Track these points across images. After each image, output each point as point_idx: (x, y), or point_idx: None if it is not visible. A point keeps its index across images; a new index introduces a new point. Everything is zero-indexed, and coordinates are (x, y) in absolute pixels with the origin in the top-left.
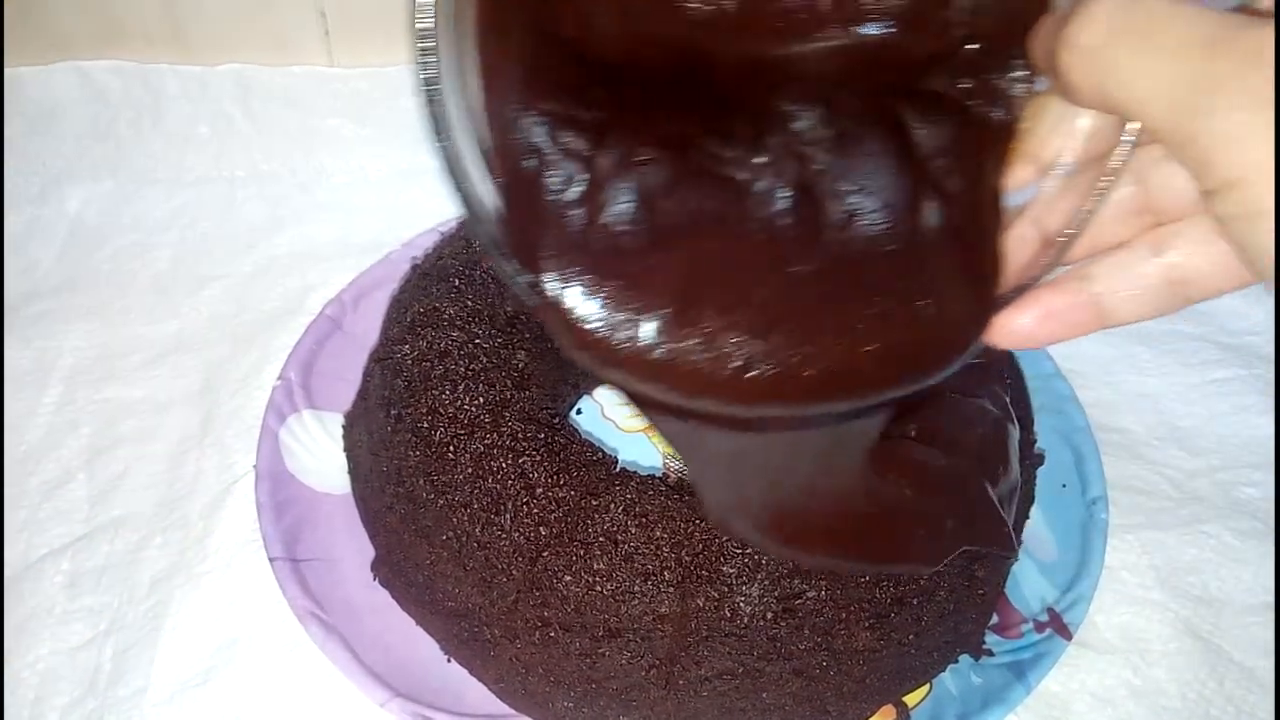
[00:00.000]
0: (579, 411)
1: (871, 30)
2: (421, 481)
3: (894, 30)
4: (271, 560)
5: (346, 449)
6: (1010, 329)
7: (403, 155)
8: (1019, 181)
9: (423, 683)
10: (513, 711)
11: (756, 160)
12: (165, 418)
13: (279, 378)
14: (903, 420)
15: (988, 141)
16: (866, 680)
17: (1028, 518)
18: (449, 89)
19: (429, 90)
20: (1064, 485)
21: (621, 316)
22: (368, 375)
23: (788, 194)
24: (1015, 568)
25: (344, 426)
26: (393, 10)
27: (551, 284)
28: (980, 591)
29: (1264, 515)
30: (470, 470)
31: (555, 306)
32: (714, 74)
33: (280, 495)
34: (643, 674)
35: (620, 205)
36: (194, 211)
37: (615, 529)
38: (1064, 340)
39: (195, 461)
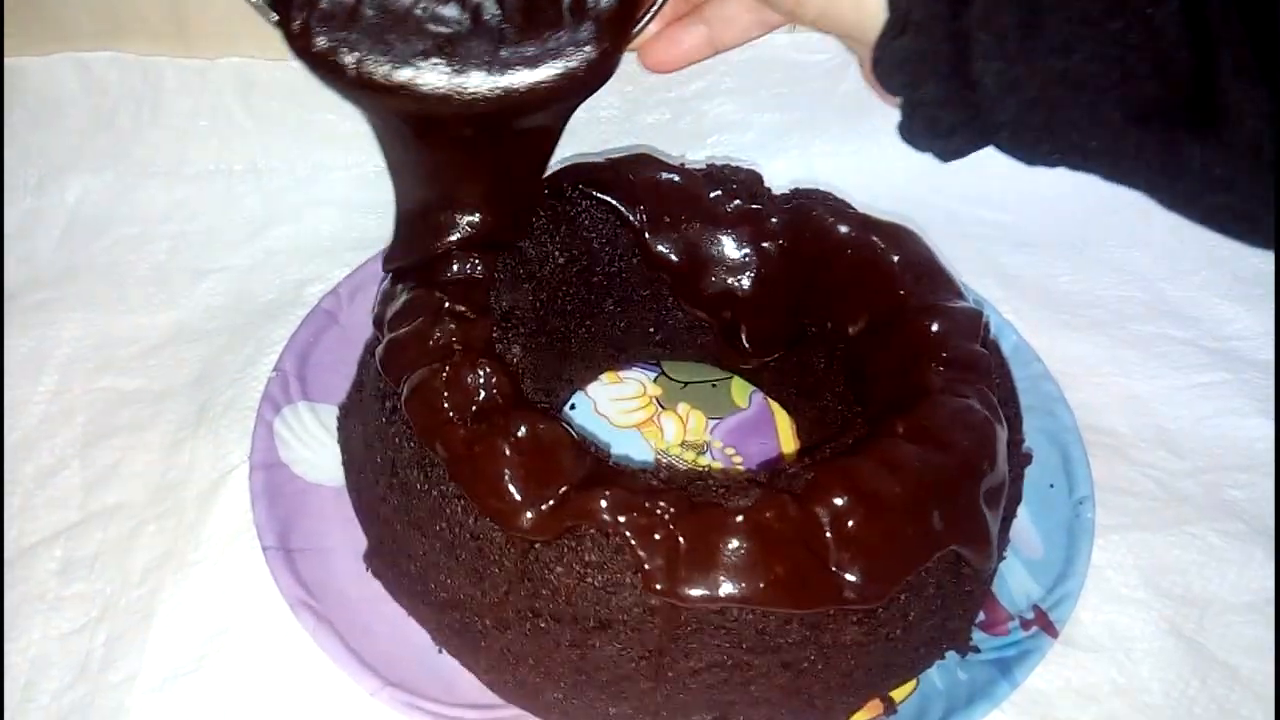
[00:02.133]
0: (573, 407)
1: None
2: (415, 473)
3: None
4: (264, 550)
5: (341, 440)
6: (647, 56)
7: None
8: None
9: (414, 672)
10: (503, 702)
11: None
12: (161, 407)
13: (274, 369)
14: (892, 419)
15: None
16: (854, 675)
17: (1014, 517)
18: None
19: None
20: (1051, 485)
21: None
22: (363, 367)
23: None
24: (1003, 566)
25: (338, 418)
26: None
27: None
28: (968, 588)
29: (1249, 517)
30: None
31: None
32: None
33: (274, 486)
34: (632, 665)
35: None
36: (193, 204)
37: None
38: (689, 64)
39: (190, 451)
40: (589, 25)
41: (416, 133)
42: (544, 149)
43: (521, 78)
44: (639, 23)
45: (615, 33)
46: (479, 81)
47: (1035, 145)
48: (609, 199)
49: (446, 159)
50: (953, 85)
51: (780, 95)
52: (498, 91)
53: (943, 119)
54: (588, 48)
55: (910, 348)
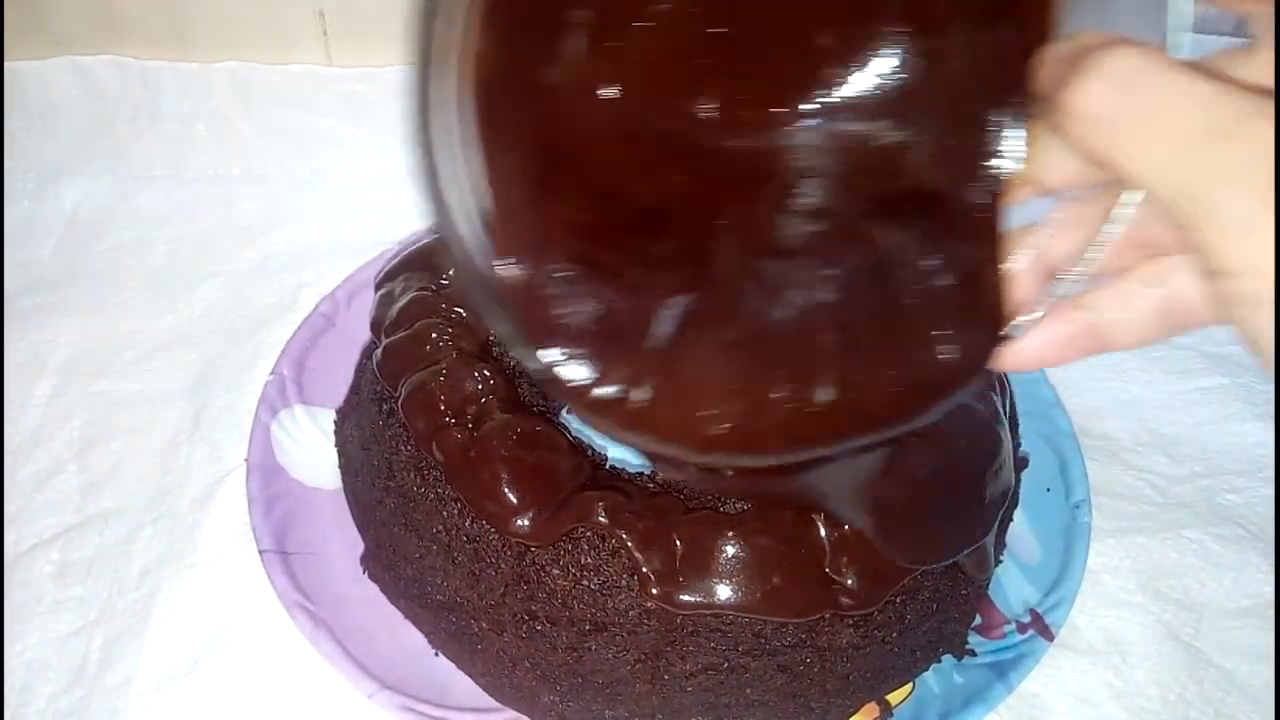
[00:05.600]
0: (569, 410)
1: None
2: (412, 475)
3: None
4: (261, 552)
5: (338, 443)
6: (1013, 358)
7: (399, 156)
8: (1018, 199)
9: (410, 675)
10: (499, 705)
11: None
12: (158, 411)
13: (272, 372)
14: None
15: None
16: (850, 678)
17: (1011, 520)
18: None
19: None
20: (1048, 489)
21: (633, 388)
22: (360, 371)
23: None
24: (999, 569)
25: (335, 421)
26: (391, 12)
27: (565, 363)
28: (964, 591)
29: (1245, 521)
30: None
31: (571, 386)
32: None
33: (271, 489)
34: (628, 668)
35: (613, 304)
36: (190, 208)
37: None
38: (1058, 364)
39: (186, 455)
40: (951, 322)
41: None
42: None
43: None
44: (1010, 332)
45: (992, 318)
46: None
47: None
48: None
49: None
50: None
51: None
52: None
53: None
54: (956, 353)
55: None
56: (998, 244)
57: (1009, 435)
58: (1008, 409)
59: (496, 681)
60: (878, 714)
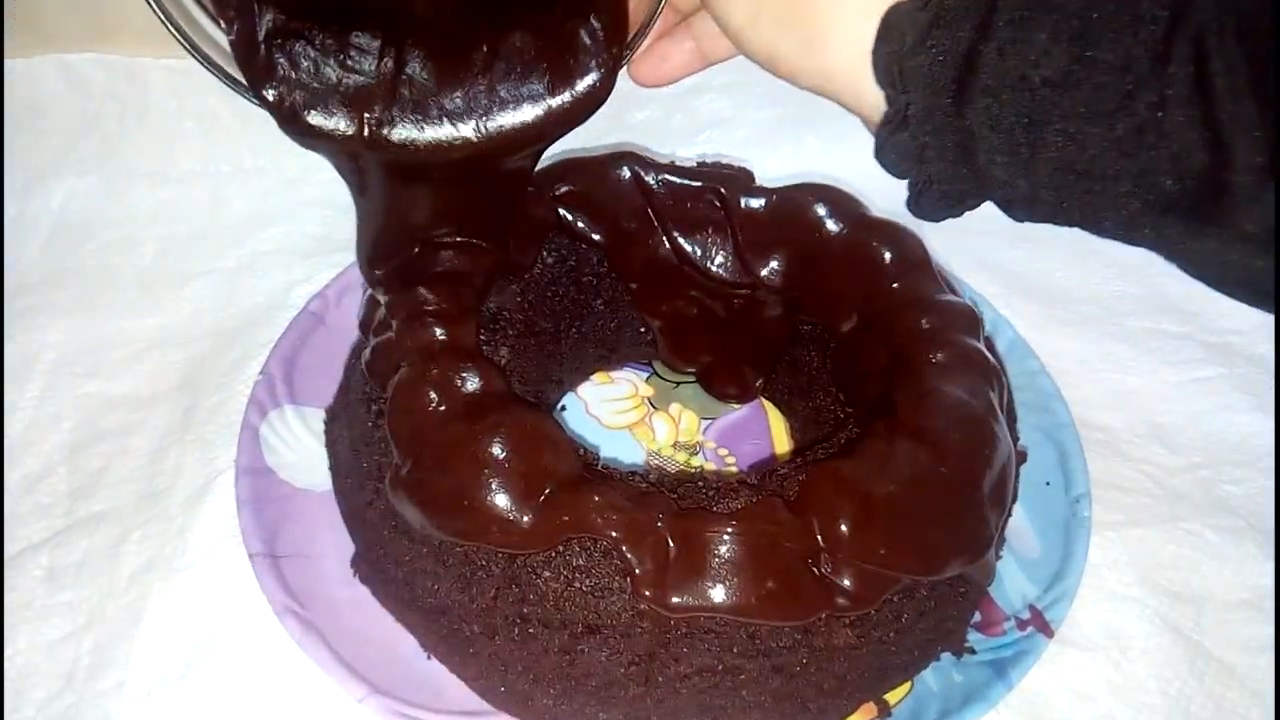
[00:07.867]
0: (563, 409)
1: None
2: None
3: None
4: (251, 556)
5: (327, 444)
6: (639, 72)
7: None
8: None
9: (402, 679)
10: (492, 709)
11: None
12: (147, 413)
13: (261, 372)
14: (884, 418)
15: None
16: (847, 678)
17: (1010, 515)
18: None
19: None
20: (1047, 482)
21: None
22: (349, 370)
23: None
24: (999, 565)
25: (325, 422)
26: None
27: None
28: (962, 589)
29: (1245, 513)
30: None
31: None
32: None
33: (260, 491)
34: (622, 671)
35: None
36: (179, 207)
37: None
38: (683, 77)
39: (176, 456)
40: (581, 52)
41: (412, 179)
42: (525, 180)
43: (524, 114)
44: (629, 47)
45: (609, 59)
46: (487, 125)
47: (1049, 218)
48: (585, 232)
49: (437, 197)
50: (958, 171)
51: (773, 91)
52: (514, 129)
53: (950, 195)
54: (586, 75)
55: (902, 343)
56: None
57: (1007, 434)
58: (1005, 403)
59: (489, 685)
60: (876, 714)
